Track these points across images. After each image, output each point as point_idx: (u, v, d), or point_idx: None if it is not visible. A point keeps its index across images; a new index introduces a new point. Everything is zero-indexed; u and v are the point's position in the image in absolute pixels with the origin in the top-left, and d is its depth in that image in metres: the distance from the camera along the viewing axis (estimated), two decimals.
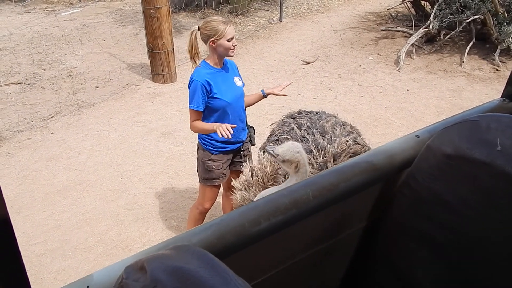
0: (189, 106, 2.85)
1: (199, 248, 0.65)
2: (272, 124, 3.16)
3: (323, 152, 2.36)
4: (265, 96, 3.07)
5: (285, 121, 2.92)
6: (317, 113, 2.98)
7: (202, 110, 2.84)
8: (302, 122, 2.79)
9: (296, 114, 3.02)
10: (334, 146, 2.39)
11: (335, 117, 2.98)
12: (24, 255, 3.42)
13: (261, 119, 5.26)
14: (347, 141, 2.44)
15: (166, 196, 4.09)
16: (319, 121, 2.77)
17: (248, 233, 0.97)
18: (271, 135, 2.98)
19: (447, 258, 1.10)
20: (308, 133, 2.64)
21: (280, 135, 2.80)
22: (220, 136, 2.70)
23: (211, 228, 0.93)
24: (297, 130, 2.70)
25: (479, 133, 1.03)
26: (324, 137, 2.55)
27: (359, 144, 2.51)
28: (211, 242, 0.92)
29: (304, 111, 3.06)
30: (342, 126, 2.75)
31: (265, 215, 0.99)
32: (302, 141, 2.56)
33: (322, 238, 1.20)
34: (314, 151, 2.37)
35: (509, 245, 0.96)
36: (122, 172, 4.42)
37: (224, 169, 3.05)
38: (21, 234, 3.64)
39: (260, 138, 4.77)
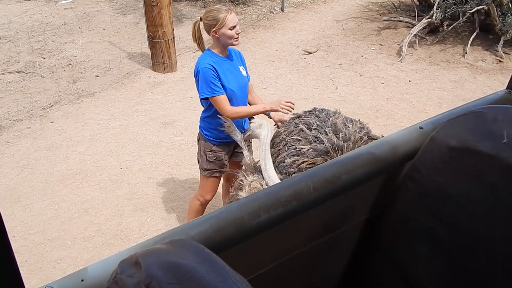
0: (209, 95, 2.71)
1: (196, 242, 0.63)
2: (274, 125, 3.06)
3: (340, 152, 2.28)
4: (268, 115, 3.03)
5: (290, 122, 2.80)
6: (322, 110, 2.85)
7: (223, 93, 2.72)
8: (311, 121, 2.65)
9: (301, 113, 2.89)
10: (349, 144, 2.30)
11: (339, 112, 2.89)
12: (23, 244, 3.43)
13: None
14: (362, 137, 2.35)
15: (166, 186, 4.07)
16: (329, 119, 2.63)
17: (248, 226, 0.94)
18: (276, 136, 2.85)
19: (449, 253, 1.08)
20: (320, 133, 2.50)
21: (287, 136, 2.67)
22: (282, 110, 2.81)
23: (209, 220, 0.91)
24: (307, 131, 2.57)
25: (485, 125, 1.00)
26: (338, 135, 2.42)
27: (373, 139, 2.42)
28: (210, 235, 0.90)
29: (306, 110, 2.93)
30: (353, 122, 2.64)
31: (264, 208, 0.97)
32: (315, 141, 2.44)
33: (323, 231, 1.18)
34: (331, 152, 2.27)
35: None
36: (122, 161, 4.40)
37: (226, 160, 3.03)
38: (20, 223, 3.63)
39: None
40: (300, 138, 2.55)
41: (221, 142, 2.95)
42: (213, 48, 2.81)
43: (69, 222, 3.66)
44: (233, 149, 3.08)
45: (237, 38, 2.75)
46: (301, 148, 2.45)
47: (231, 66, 2.85)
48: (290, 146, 2.58)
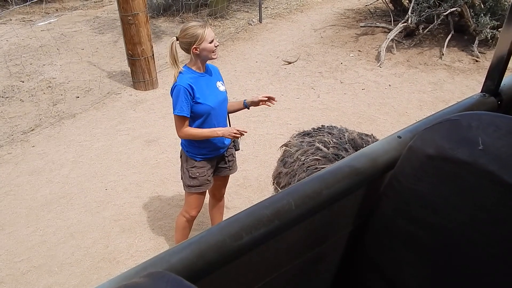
0: (174, 112, 2.77)
1: (174, 275, 0.62)
2: (282, 146, 3.03)
3: None
4: (247, 107, 3.04)
5: (302, 142, 2.76)
6: (332, 127, 2.84)
7: (187, 116, 2.77)
8: (326, 139, 2.63)
9: (311, 131, 2.89)
10: None
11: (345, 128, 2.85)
12: (9, 273, 3.36)
13: (245, 122, 5.23)
14: None
15: (152, 205, 4.03)
16: (344, 135, 2.62)
17: (230, 249, 0.93)
18: (288, 156, 2.81)
19: (434, 259, 1.09)
20: (339, 150, 2.48)
21: (302, 156, 2.62)
22: (233, 138, 2.85)
23: (190, 246, 0.90)
24: (325, 149, 2.54)
25: (460, 133, 1.01)
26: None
27: None
28: (191, 261, 0.88)
29: (314, 128, 2.93)
30: (368, 136, 2.63)
31: (246, 229, 0.96)
32: (336, 159, 2.39)
33: (307, 247, 1.17)
34: None
35: (496, 246, 0.95)
36: (107, 182, 4.35)
37: (209, 176, 3.02)
38: (5, 251, 3.56)
39: (244, 141, 4.74)
40: (319, 158, 2.51)
41: (203, 158, 2.95)
42: (191, 65, 2.81)
43: (55, 247, 3.60)
44: (216, 165, 3.07)
45: (215, 51, 2.77)
46: (323, 168, 2.41)
47: (209, 81, 2.86)
48: (309, 167, 2.54)
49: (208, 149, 2.92)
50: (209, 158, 2.97)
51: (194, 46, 2.70)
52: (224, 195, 3.44)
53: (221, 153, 3.03)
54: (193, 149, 2.93)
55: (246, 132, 2.86)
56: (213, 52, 2.75)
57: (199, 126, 2.85)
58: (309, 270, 1.24)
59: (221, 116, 2.92)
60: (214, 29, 8.29)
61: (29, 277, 3.34)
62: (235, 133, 2.82)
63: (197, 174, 2.96)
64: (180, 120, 2.78)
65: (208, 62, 2.88)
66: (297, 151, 2.72)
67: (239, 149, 3.20)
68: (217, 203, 3.42)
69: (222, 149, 3.02)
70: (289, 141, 2.94)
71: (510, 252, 0.93)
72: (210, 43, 2.70)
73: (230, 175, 3.31)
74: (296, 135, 2.96)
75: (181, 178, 3.09)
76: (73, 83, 6.46)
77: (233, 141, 3.12)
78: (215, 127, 2.86)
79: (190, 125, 2.85)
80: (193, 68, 2.80)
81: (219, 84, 2.92)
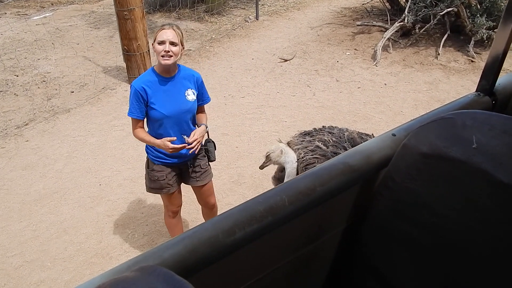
0: (128, 113, 2.69)
1: (165, 269, 0.61)
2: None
3: None
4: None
5: (302, 140, 2.78)
6: (333, 127, 2.88)
7: (138, 118, 2.66)
8: (325, 138, 2.65)
9: (312, 131, 2.91)
10: None
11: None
12: (1, 268, 3.34)
13: (241, 119, 5.22)
14: None
15: (146, 200, 4.02)
16: (344, 134, 2.65)
17: (223, 244, 0.93)
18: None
19: (428, 258, 1.09)
20: (338, 148, 2.51)
21: (302, 150, 2.67)
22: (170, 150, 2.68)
23: (183, 241, 0.90)
24: (324, 147, 2.57)
25: (454, 131, 1.01)
26: None
27: None
28: (184, 256, 0.88)
29: (314, 128, 2.96)
30: (368, 135, 2.68)
31: (239, 224, 0.96)
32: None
33: (301, 244, 1.17)
34: None
35: (489, 245, 0.95)
36: (101, 178, 4.33)
37: (169, 180, 2.88)
38: None
39: (240, 138, 4.74)
40: (319, 156, 2.55)
41: (161, 162, 2.84)
42: (156, 67, 2.69)
43: (48, 242, 3.58)
44: (181, 173, 2.96)
45: (165, 56, 2.54)
46: None
47: (173, 88, 2.70)
48: (308, 164, 2.58)
49: (164, 153, 2.80)
50: (167, 164, 2.85)
51: (152, 43, 2.63)
52: (216, 202, 3.26)
53: (178, 162, 2.87)
54: (152, 152, 2.84)
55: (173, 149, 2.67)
56: (159, 55, 2.55)
57: (156, 130, 2.74)
58: (302, 267, 1.24)
59: (178, 126, 2.75)
60: (211, 26, 8.27)
61: (21, 271, 3.32)
62: (170, 150, 2.67)
63: (156, 178, 2.86)
64: (132, 120, 2.70)
65: (191, 67, 2.81)
66: (296, 145, 2.77)
67: (214, 160, 3.03)
68: (209, 211, 3.27)
69: (179, 158, 2.85)
70: (290, 140, 2.97)
71: (503, 250, 0.93)
72: (159, 44, 2.55)
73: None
74: (298, 134, 2.98)
75: (144, 178, 3.03)
76: (68, 78, 6.43)
77: (206, 152, 2.97)
78: (170, 136, 2.70)
79: (150, 127, 2.77)
80: (157, 70, 2.68)
81: (188, 92, 2.74)
